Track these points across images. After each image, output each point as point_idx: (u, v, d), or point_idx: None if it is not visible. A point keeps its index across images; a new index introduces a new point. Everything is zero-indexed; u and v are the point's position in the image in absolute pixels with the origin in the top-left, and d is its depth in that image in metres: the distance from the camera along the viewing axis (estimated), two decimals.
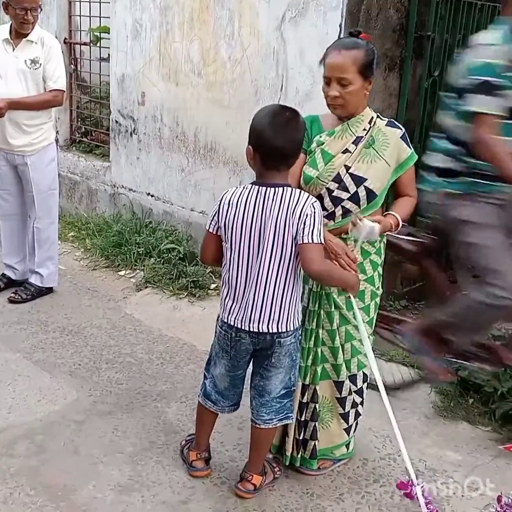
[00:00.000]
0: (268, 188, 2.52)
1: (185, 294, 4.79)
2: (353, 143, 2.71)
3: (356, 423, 3.03)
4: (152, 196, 5.52)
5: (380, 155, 2.71)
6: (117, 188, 5.82)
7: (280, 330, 2.60)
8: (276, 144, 2.46)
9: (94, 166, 6.06)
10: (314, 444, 2.93)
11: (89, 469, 2.96)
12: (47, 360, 3.85)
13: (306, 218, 2.47)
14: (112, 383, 3.67)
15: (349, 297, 2.72)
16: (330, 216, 2.74)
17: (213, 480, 2.93)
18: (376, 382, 2.74)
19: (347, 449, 3.05)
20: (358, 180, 2.69)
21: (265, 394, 2.74)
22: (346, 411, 2.94)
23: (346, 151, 2.71)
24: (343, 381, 2.88)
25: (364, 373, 2.95)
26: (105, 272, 5.22)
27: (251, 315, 2.60)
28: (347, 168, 2.70)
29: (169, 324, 4.38)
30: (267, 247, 2.53)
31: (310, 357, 2.84)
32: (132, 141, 5.60)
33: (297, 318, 2.67)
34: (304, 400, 2.89)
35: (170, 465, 3.00)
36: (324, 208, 2.72)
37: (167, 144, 5.30)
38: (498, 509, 1.95)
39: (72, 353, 3.96)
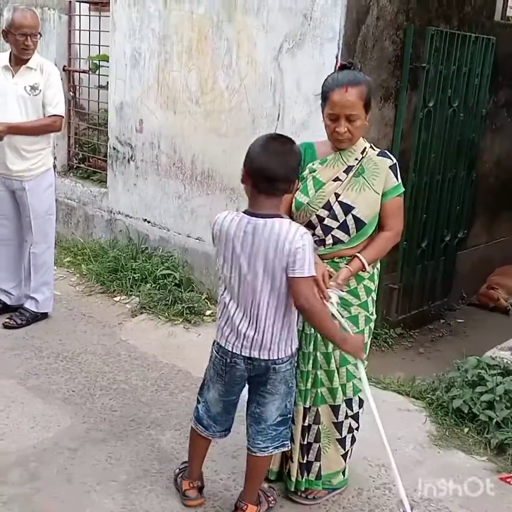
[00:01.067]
0: (259, 219, 2.52)
1: (181, 320, 4.79)
2: (344, 171, 2.77)
3: (351, 450, 3.02)
4: (148, 222, 5.54)
5: (369, 184, 2.75)
6: (114, 214, 5.84)
7: (272, 358, 2.61)
8: (266, 167, 2.47)
9: (91, 192, 6.08)
10: (320, 465, 2.94)
11: (83, 497, 2.93)
12: (41, 386, 3.84)
13: (296, 251, 2.46)
14: (106, 410, 3.65)
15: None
16: (321, 242, 2.79)
17: (207, 509, 2.91)
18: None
19: (344, 476, 3.04)
20: (347, 208, 2.74)
21: (261, 422, 2.72)
22: (342, 436, 2.94)
23: (337, 179, 2.77)
24: (340, 405, 2.89)
25: (359, 398, 2.95)
26: (101, 297, 5.22)
27: (243, 342, 2.61)
28: (337, 196, 2.75)
29: (164, 351, 4.37)
30: (258, 279, 2.53)
31: (310, 380, 2.85)
32: (130, 168, 5.63)
33: (292, 345, 2.66)
34: (306, 423, 2.90)
35: (163, 494, 2.98)
36: (315, 235, 2.77)
37: (164, 171, 5.34)
38: None
39: (66, 379, 3.95)
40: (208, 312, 4.91)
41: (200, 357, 4.29)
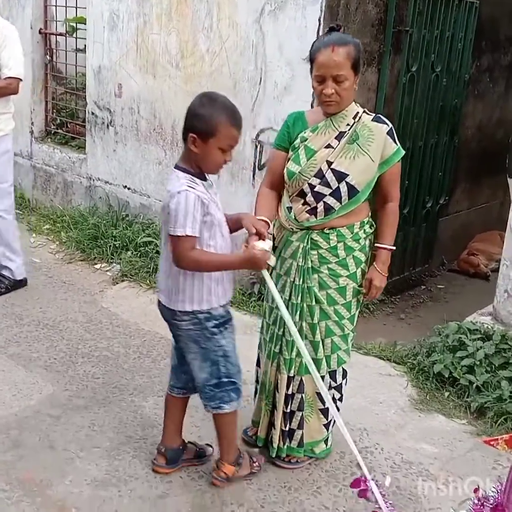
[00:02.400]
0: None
1: None
2: (336, 138, 2.70)
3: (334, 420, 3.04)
4: (128, 188, 5.48)
5: (364, 151, 2.69)
6: (93, 180, 5.76)
7: (169, 306, 2.64)
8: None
9: (70, 158, 5.99)
10: (302, 433, 2.96)
11: (66, 464, 2.93)
12: (22, 354, 3.81)
13: (169, 207, 2.47)
14: (88, 377, 3.64)
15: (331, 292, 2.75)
16: (312, 211, 2.74)
17: (190, 474, 2.92)
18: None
19: (326, 445, 3.07)
20: (340, 176, 2.69)
21: (195, 379, 2.78)
22: (325, 406, 2.94)
23: (328, 146, 2.71)
24: (323, 376, 2.88)
25: (344, 369, 2.96)
26: (81, 265, 5.18)
27: (159, 286, 2.75)
28: (329, 163, 2.70)
29: (146, 318, 4.35)
30: (163, 229, 2.62)
31: (294, 349, 2.85)
32: (109, 133, 5.54)
33: (194, 304, 2.61)
34: (290, 392, 2.91)
35: (147, 460, 2.98)
36: (306, 203, 2.73)
37: (144, 136, 5.26)
38: (475, 502, 1.96)
39: (47, 347, 3.92)
40: None
41: None
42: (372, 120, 2.73)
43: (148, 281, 4.78)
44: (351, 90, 2.65)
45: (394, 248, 2.84)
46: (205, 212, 2.50)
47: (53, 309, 4.39)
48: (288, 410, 2.93)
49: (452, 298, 5.15)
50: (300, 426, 2.96)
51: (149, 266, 4.89)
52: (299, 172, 2.73)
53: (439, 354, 3.71)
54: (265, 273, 2.55)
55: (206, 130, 2.45)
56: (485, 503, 1.78)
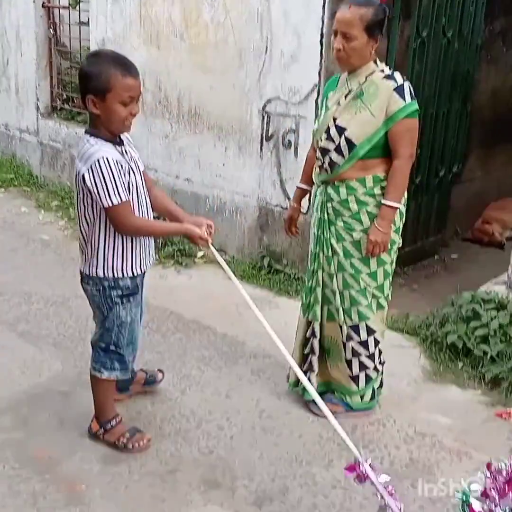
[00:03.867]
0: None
1: (172, 262, 4.73)
2: (345, 96, 2.82)
3: (367, 377, 3.06)
4: None
5: (365, 106, 2.75)
6: None
7: (81, 269, 2.73)
8: None
9: (76, 133, 5.91)
10: (309, 376, 3.04)
11: (75, 441, 2.92)
12: (31, 332, 3.79)
13: (92, 181, 2.45)
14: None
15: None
16: (322, 167, 2.90)
17: (201, 449, 2.90)
18: None
19: (362, 400, 3.09)
20: (340, 130, 2.80)
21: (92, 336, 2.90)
22: (348, 358, 3.01)
23: (338, 103, 2.83)
24: (342, 326, 2.97)
25: (369, 327, 2.97)
26: None
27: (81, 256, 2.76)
28: (334, 119, 2.83)
29: (156, 293, 4.26)
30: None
31: (312, 296, 3.01)
32: None
33: (97, 270, 2.65)
34: (308, 336, 3.06)
35: (157, 435, 2.96)
36: (318, 159, 2.92)
37: (150, 109, 5.17)
38: (488, 475, 1.91)
39: (56, 324, 3.90)
40: (199, 254, 4.85)
41: (192, 299, 4.29)
42: (383, 77, 2.77)
43: (157, 256, 4.72)
44: (362, 51, 2.74)
45: (395, 205, 2.81)
46: (125, 174, 2.52)
47: (62, 286, 4.35)
48: (305, 353, 3.08)
49: (466, 267, 5.06)
50: (309, 369, 3.07)
51: (158, 241, 4.84)
52: (316, 129, 2.92)
53: (452, 325, 3.64)
54: (212, 248, 2.69)
55: (101, 88, 2.42)
56: (497, 476, 1.74)
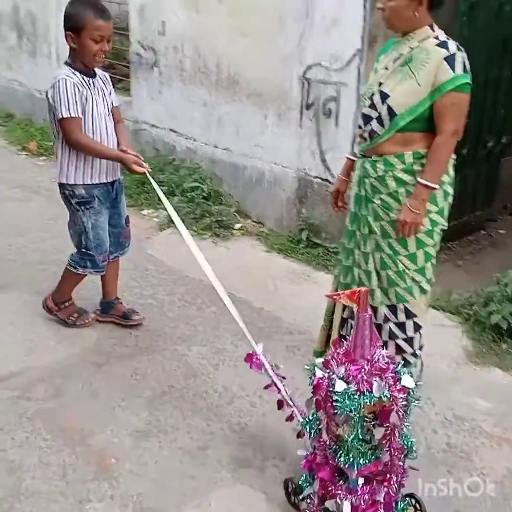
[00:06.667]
0: None
1: (209, 234, 4.67)
2: (394, 60, 2.67)
3: (405, 361, 2.84)
4: (175, 132, 5.33)
5: (413, 73, 2.60)
6: (139, 124, 5.64)
7: (54, 179, 3.31)
8: None
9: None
10: None
11: (107, 413, 2.91)
12: None
13: (52, 96, 3.07)
14: (132, 325, 3.59)
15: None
16: (362, 135, 2.75)
17: (232, 426, 2.86)
18: None
19: None
20: (384, 97, 2.66)
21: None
22: (384, 339, 2.84)
23: (385, 68, 2.69)
24: (377, 308, 2.81)
25: (407, 309, 2.80)
26: (129, 211, 5.09)
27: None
28: (380, 84, 2.69)
29: (191, 265, 4.20)
30: None
31: (349, 275, 2.86)
32: (153, 74, 5.38)
33: (63, 178, 3.23)
34: (345, 315, 2.90)
35: (189, 411, 2.93)
36: (360, 128, 2.75)
37: (189, 77, 5.07)
38: (331, 350, 2.23)
39: (93, 295, 3.87)
40: (237, 226, 4.78)
41: (228, 272, 4.22)
42: (436, 44, 2.58)
43: (194, 228, 4.67)
44: (402, 11, 2.58)
45: (431, 184, 2.61)
46: (82, 98, 3.06)
47: None
48: (343, 333, 2.89)
49: None
50: None
51: (196, 212, 4.79)
52: (364, 92, 2.79)
53: (497, 304, 3.50)
54: (148, 176, 3.26)
55: (77, 26, 3.00)
56: (338, 349, 2.18)
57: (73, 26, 3.01)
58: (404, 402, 2.09)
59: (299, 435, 2.42)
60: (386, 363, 2.13)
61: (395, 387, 2.07)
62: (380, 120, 2.67)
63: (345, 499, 2.16)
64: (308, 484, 2.33)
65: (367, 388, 2.06)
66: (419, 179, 2.63)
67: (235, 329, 3.57)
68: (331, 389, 2.10)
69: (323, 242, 4.42)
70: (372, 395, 2.05)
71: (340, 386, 2.07)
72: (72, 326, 3.49)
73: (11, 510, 2.39)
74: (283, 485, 2.47)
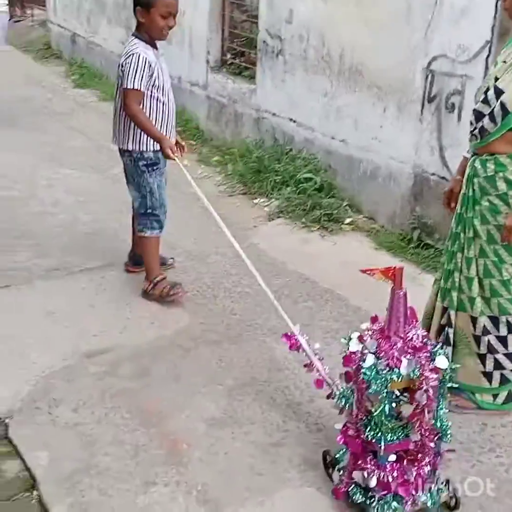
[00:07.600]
0: None
1: (317, 227, 4.57)
2: None
3: (503, 378, 2.74)
4: (294, 121, 5.26)
5: None
6: (262, 112, 5.62)
7: (118, 146, 3.54)
8: None
9: (240, 88, 5.88)
10: None
11: (186, 398, 2.91)
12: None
13: (123, 67, 3.31)
14: (225, 312, 3.59)
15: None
16: (473, 132, 2.61)
17: (309, 425, 2.77)
18: None
19: (494, 400, 2.78)
20: (498, 93, 2.47)
21: (134, 207, 3.70)
22: (482, 352, 2.70)
23: (504, 61, 2.51)
24: (477, 318, 2.65)
25: (510, 322, 2.64)
26: (241, 199, 5.12)
27: (113, 132, 3.58)
28: (496, 79, 2.51)
29: (294, 257, 4.19)
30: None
31: (449, 280, 2.73)
32: (278, 63, 5.33)
33: (130, 145, 3.46)
34: (443, 322, 2.77)
35: (267, 404, 2.88)
36: (472, 124, 2.62)
37: (312, 66, 4.98)
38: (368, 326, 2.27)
39: (193, 279, 3.92)
40: (347, 220, 4.63)
41: (331, 267, 4.12)
42: None
43: (303, 220, 4.59)
44: None
45: None
46: (151, 73, 3.32)
47: (204, 242, 4.37)
48: (439, 340, 2.73)
49: None
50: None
51: (307, 203, 4.70)
52: (478, 89, 2.65)
53: None
54: (178, 162, 3.33)
55: (147, 2, 3.24)
56: (374, 326, 2.23)
57: (144, 2, 3.25)
58: (435, 383, 2.09)
59: (341, 411, 2.40)
60: (422, 342, 2.15)
61: (427, 367, 2.09)
62: (492, 117, 2.49)
63: (373, 474, 2.19)
64: (343, 458, 2.37)
65: (396, 365, 2.09)
66: None
67: (328, 326, 3.49)
68: (361, 363, 2.15)
69: (435, 243, 4.19)
70: (399, 371, 2.08)
71: (370, 360, 2.13)
72: (166, 299, 3.59)
73: (80, 484, 2.44)
74: (322, 455, 2.49)
